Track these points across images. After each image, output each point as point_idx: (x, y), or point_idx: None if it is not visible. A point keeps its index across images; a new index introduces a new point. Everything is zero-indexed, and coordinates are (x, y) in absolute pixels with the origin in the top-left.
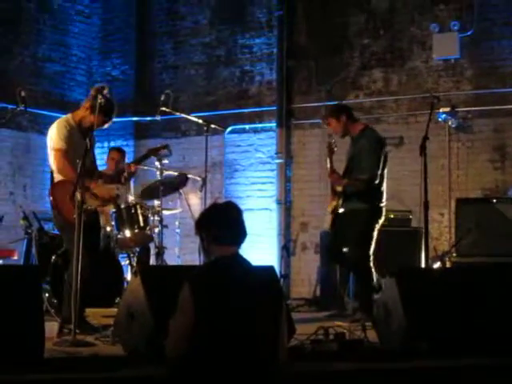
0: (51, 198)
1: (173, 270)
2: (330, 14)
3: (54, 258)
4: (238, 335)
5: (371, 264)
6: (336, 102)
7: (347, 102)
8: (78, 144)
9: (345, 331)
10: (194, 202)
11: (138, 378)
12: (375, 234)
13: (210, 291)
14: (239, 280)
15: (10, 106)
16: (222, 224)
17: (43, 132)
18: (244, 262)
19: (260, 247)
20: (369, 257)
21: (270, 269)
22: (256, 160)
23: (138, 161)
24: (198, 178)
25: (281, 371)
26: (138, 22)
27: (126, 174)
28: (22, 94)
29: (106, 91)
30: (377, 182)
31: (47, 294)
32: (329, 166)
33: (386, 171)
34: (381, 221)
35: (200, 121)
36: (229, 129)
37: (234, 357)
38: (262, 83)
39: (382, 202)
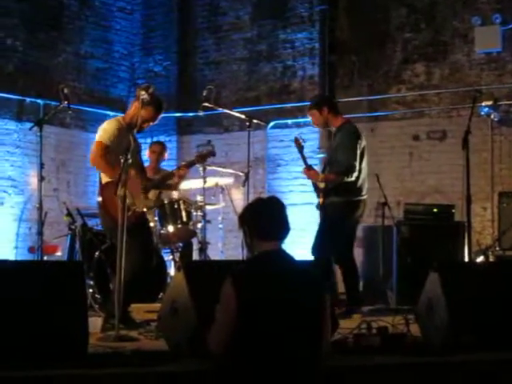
0: (100, 198)
1: (216, 265)
2: (372, 8)
3: (97, 253)
4: (281, 330)
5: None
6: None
7: (390, 96)
8: (124, 144)
9: (388, 325)
10: (237, 197)
11: (181, 373)
12: (350, 227)
13: (252, 286)
14: (282, 275)
15: (53, 103)
16: (265, 219)
17: (86, 128)
18: (287, 257)
19: (303, 242)
20: (346, 250)
21: (316, 263)
22: (298, 155)
23: (187, 166)
24: (241, 174)
25: (323, 366)
26: (179, 17)
27: (176, 179)
28: (65, 90)
29: (151, 89)
30: (354, 175)
31: (91, 290)
32: (303, 162)
33: (364, 165)
34: (357, 214)
35: (242, 116)
36: (271, 124)
37: (276, 351)
38: (304, 78)
39: (359, 196)
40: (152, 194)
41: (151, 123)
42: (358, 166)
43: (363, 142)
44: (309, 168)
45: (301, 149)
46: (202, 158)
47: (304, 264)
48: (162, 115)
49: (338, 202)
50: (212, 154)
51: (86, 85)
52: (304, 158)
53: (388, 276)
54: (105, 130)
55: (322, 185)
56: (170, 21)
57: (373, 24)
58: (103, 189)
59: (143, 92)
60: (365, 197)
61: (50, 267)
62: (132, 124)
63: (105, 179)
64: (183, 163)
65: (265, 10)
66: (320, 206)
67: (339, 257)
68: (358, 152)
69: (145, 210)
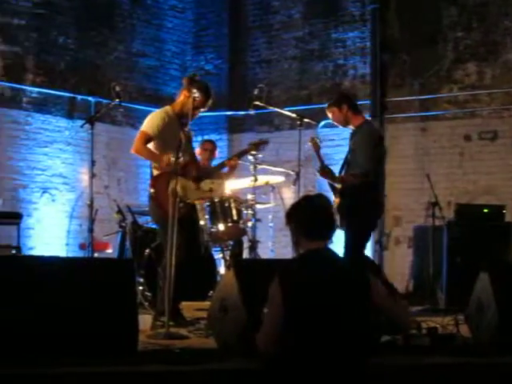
0: (152, 189)
1: (266, 264)
2: (423, 7)
3: (147, 251)
4: (327, 329)
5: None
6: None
7: (441, 96)
8: (175, 134)
9: (437, 326)
10: (287, 195)
11: (231, 371)
12: (367, 227)
13: (298, 285)
14: (328, 274)
15: (104, 101)
16: (311, 217)
17: (137, 126)
18: (333, 256)
19: None
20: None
21: (362, 262)
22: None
23: (239, 155)
24: (292, 172)
25: (368, 365)
26: (231, 16)
27: (228, 168)
28: (117, 88)
29: (197, 77)
30: (372, 177)
31: (141, 287)
32: (319, 162)
33: (383, 167)
34: (374, 216)
35: (293, 115)
36: (322, 123)
37: (323, 350)
38: (355, 77)
39: (377, 198)
40: (204, 186)
41: (202, 110)
42: (376, 167)
43: (383, 143)
44: (324, 168)
45: (317, 149)
46: (255, 146)
47: (350, 263)
48: (213, 114)
49: (357, 204)
50: (265, 142)
51: (137, 83)
52: (320, 158)
53: (438, 276)
54: (149, 121)
55: (338, 185)
56: (221, 19)
57: (424, 23)
58: (155, 180)
59: (190, 81)
60: (382, 199)
61: (100, 264)
62: (183, 112)
63: (156, 171)
64: (235, 153)
65: (316, 8)
66: (337, 207)
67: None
68: (376, 153)
69: (196, 202)
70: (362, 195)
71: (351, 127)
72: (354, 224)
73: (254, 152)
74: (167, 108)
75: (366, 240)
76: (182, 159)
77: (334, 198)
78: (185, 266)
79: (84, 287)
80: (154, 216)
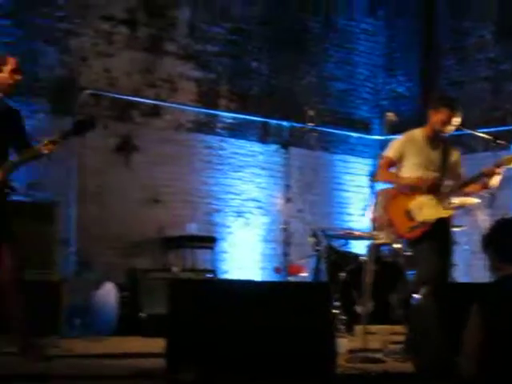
0: (382, 212)
1: (462, 287)
2: None
3: (342, 274)
4: None
5: None
6: None
7: None
8: (423, 156)
9: None
10: (482, 218)
11: None
12: None
13: (497, 312)
14: None
15: (297, 125)
16: (509, 241)
17: (330, 150)
18: None
19: None
20: None
21: None
22: None
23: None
24: (487, 194)
25: None
26: (422, 38)
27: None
28: (311, 113)
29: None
30: None
31: (336, 311)
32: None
33: None
34: None
35: (486, 136)
36: None
37: None
38: None
39: None
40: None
41: (450, 126)
42: None
43: None
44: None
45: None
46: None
47: None
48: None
49: None
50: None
51: (329, 106)
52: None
53: None
54: (390, 145)
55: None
56: (412, 42)
57: None
58: (389, 202)
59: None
60: None
61: (297, 288)
62: (435, 132)
63: (388, 193)
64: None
65: (508, 28)
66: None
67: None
68: None
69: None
70: None
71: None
72: None
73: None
74: (414, 130)
75: None
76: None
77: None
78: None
79: (281, 311)
80: (388, 238)
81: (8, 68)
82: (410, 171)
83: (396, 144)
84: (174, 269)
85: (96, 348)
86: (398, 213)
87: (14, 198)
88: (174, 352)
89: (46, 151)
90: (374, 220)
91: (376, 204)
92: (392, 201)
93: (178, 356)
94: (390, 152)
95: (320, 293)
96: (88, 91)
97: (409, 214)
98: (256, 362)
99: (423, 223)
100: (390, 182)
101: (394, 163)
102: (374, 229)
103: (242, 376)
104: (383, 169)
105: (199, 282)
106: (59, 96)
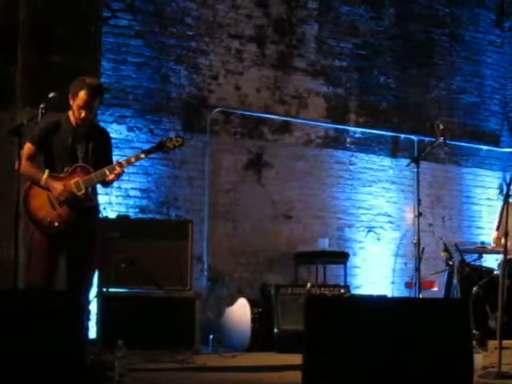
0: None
1: None
2: None
3: (475, 289)
4: None
5: None
6: None
7: None
8: None
9: None
10: None
11: None
12: None
13: None
14: None
15: (426, 139)
16: None
17: (460, 163)
18: None
19: None
20: None
21: None
22: None
23: None
24: None
25: None
26: None
27: None
28: (441, 126)
29: None
30: None
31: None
32: None
33: None
34: None
35: None
36: None
37: None
38: None
39: None
40: None
41: None
42: None
43: None
44: None
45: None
46: None
47: None
48: None
49: None
50: None
51: (458, 119)
52: None
53: None
54: None
55: None
56: None
57: None
58: None
59: None
60: None
61: (434, 304)
62: None
63: None
64: None
65: None
66: None
67: None
68: None
69: None
70: None
71: None
72: None
73: None
74: None
75: None
76: None
77: None
78: None
79: (417, 327)
80: None
81: (76, 103)
82: None
83: None
84: (308, 285)
85: (230, 363)
86: None
87: (148, 216)
88: (311, 367)
89: (112, 176)
90: (505, 234)
91: (507, 217)
92: None
93: (315, 371)
94: None
95: (458, 309)
96: (218, 109)
97: None
98: (391, 379)
99: None
100: None
101: None
102: (506, 243)
103: None
104: None
105: (335, 299)
106: (190, 114)
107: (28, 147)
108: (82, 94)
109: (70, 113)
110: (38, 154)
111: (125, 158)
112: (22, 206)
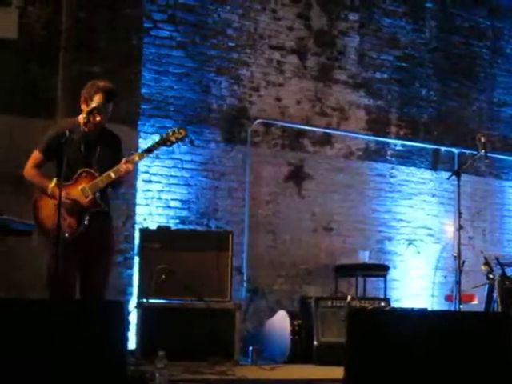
0: None
1: None
2: None
3: None
4: None
5: None
6: None
7: None
8: None
9: None
10: None
11: None
12: None
13: None
14: None
15: (467, 152)
16: None
17: (500, 176)
18: None
19: None
20: None
21: None
22: None
23: None
24: None
25: None
26: None
27: None
28: (482, 139)
29: None
30: None
31: None
32: None
33: None
34: None
35: None
36: None
37: None
38: None
39: None
40: None
41: None
42: None
43: None
44: None
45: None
46: None
47: None
48: None
49: None
50: None
51: (500, 132)
52: None
53: None
54: None
55: None
56: None
57: None
58: None
59: None
60: None
61: (477, 318)
62: None
63: None
64: None
65: None
66: None
67: None
68: None
69: None
70: None
71: None
72: None
73: None
74: None
75: None
76: None
77: None
78: None
79: (460, 342)
80: None
81: (91, 107)
82: None
83: None
84: (349, 297)
85: (269, 375)
86: None
87: (188, 227)
88: (353, 380)
89: (122, 170)
90: None
91: None
92: None
93: None
94: None
95: (499, 323)
96: (259, 120)
97: None
98: None
99: None
100: None
101: None
102: None
103: None
104: None
105: (377, 312)
106: (231, 125)
107: (35, 155)
108: (97, 98)
109: (81, 117)
110: (46, 161)
111: (129, 157)
112: (32, 217)
